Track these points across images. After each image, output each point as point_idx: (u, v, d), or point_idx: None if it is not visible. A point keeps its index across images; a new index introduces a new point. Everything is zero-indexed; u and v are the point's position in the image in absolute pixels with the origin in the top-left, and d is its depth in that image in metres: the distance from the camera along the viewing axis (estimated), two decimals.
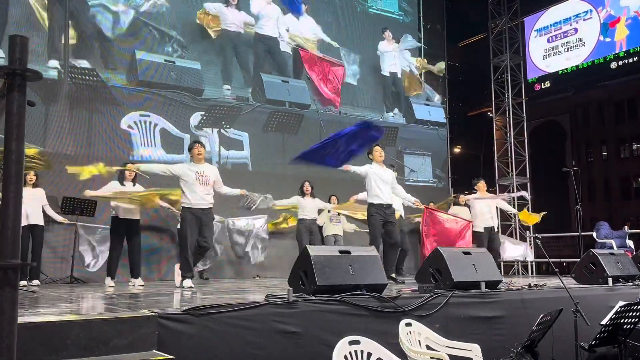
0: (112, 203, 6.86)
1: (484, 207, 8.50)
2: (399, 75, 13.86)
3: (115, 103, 9.61)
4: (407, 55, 14.11)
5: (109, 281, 6.66)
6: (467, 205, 9.95)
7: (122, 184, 6.89)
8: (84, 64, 9.46)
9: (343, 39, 13.04)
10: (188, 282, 5.93)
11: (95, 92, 9.41)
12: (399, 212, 8.22)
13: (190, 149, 6.35)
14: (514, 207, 11.30)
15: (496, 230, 8.77)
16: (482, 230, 8.39)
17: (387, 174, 6.99)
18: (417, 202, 7.48)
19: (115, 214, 6.80)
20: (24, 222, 6.81)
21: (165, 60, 10.60)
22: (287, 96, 12.22)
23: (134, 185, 7.00)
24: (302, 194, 8.71)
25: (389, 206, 6.87)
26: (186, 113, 10.52)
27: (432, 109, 14.38)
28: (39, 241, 7.11)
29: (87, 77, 9.43)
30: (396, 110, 13.69)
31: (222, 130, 11.00)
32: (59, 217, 7.54)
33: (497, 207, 9.12)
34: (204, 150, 6.35)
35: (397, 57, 13.91)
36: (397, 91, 13.81)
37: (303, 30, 12.61)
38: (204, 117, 10.77)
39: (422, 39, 14.25)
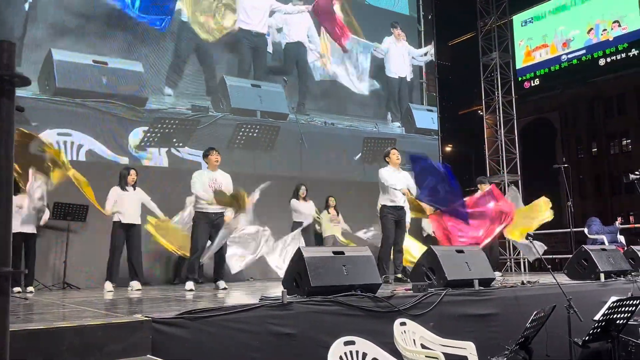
0: (114, 209, 6.77)
1: None
2: (408, 79, 12.43)
3: (22, 120, 7.44)
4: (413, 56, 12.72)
5: (108, 285, 6.61)
6: None
7: (122, 189, 6.84)
8: None
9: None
10: (190, 285, 6.05)
11: None
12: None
13: (207, 156, 6.51)
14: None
15: None
16: None
17: (402, 177, 7.07)
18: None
19: (118, 219, 6.75)
20: (19, 229, 6.75)
21: (93, 61, 8.40)
22: (258, 104, 9.91)
23: (135, 189, 6.95)
24: (297, 197, 8.68)
25: (402, 208, 7.02)
26: (123, 129, 8.38)
27: (435, 116, 12.95)
28: (32, 249, 6.99)
29: None
30: (390, 117, 12.10)
31: (173, 150, 8.83)
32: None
33: None
34: (220, 158, 6.51)
35: (407, 57, 12.41)
36: (401, 96, 12.32)
37: (295, 28, 10.84)
38: (149, 134, 8.63)
39: (423, 32, 13.44)
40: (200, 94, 9.42)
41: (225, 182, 6.43)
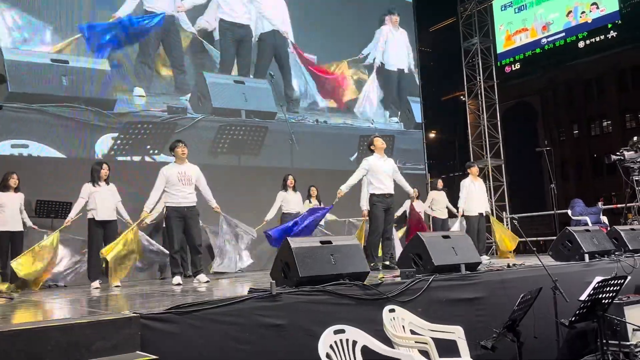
0: (89, 205, 6.69)
1: (476, 192, 8.50)
2: (407, 71, 11.61)
3: None
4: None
5: (94, 282, 6.54)
6: (443, 190, 10.14)
7: (94, 185, 6.67)
8: None
9: (328, 24, 10.27)
10: (177, 279, 6.05)
11: None
12: None
13: (173, 149, 6.38)
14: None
15: (484, 215, 8.70)
16: (476, 214, 8.42)
17: (388, 165, 7.06)
18: (416, 192, 7.62)
19: (92, 216, 6.65)
20: (4, 228, 6.68)
21: (52, 60, 7.50)
22: (242, 103, 8.98)
23: (108, 184, 6.82)
24: (286, 188, 8.62)
25: (390, 195, 7.00)
26: (89, 137, 7.52)
27: (418, 106, 12.13)
28: (19, 247, 6.90)
29: None
30: (389, 114, 11.26)
31: (147, 158, 7.97)
32: (29, 222, 7.14)
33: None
34: (187, 150, 6.40)
35: (405, 47, 11.45)
36: (400, 90, 11.45)
37: (268, 13, 9.74)
38: (119, 141, 7.80)
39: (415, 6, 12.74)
40: (176, 92, 8.47)
41: (194, 174, 6.38)
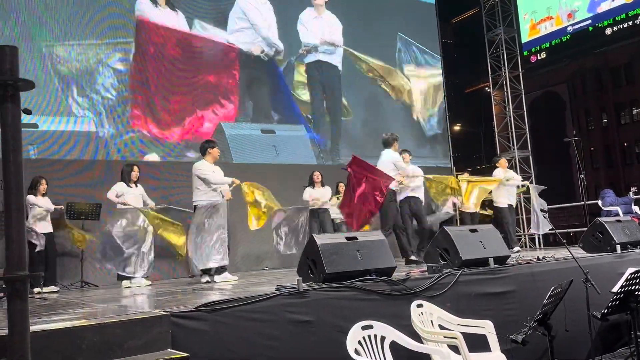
0: (119, 205, 6.83)
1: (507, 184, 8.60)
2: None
3: None
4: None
5: (125, 282, 6.67)
6: None
7: (128, 185, 6.89)
8: None
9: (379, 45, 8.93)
10: (205, 277, 6.16)
11: None
12: None
13: (213, 148, 6.35)
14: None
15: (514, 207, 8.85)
16: (506, 206, 8.47)
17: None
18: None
19: None
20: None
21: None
22: (272, 156, 7.40)
23: (137, 186, 6.99)
24: (312, 184, 8.59)
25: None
26: None
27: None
28: (52, 248, 7.10)
29: None
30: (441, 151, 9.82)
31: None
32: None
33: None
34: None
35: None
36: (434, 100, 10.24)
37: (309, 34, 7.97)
38: None
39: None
40: (186, 151, 7.02)
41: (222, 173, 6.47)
